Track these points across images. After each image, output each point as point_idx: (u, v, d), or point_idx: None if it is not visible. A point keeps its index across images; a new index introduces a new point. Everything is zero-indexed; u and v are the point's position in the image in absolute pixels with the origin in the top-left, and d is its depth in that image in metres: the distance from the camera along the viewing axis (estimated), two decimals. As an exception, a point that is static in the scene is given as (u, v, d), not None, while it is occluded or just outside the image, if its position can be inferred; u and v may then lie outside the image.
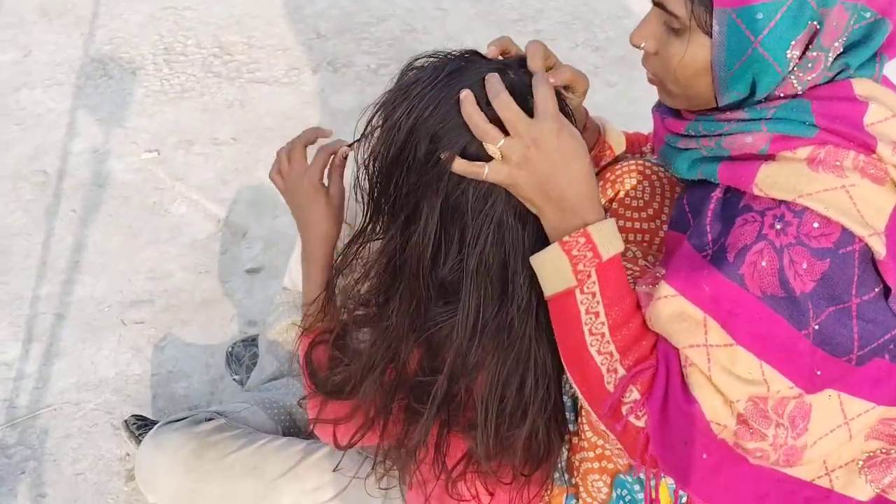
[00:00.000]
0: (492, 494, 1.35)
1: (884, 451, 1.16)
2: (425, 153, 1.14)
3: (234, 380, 2.09)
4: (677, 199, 1.25)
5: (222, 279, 2.39)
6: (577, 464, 1.32)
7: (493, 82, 1.11)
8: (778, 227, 1.04)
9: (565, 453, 1.34)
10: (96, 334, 2.24)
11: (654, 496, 1.23)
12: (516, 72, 1.17)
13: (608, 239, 1.12)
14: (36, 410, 2.06)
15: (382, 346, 1.25)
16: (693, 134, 1.17)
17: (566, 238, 1.11)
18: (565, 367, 1.18)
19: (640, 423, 1.12)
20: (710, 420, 1.08)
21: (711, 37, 1.08)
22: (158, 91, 3.05)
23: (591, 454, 1.29)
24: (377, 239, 1.25)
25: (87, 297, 2.34)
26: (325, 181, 1.38)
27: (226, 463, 1.54)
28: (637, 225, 1.36)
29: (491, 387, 1.22)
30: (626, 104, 2.83)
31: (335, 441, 1.37)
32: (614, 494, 1.29)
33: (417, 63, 1.19)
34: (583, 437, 1.29)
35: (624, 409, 1.12)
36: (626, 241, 1.35)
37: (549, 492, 1.38)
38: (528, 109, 1.11)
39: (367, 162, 1.20)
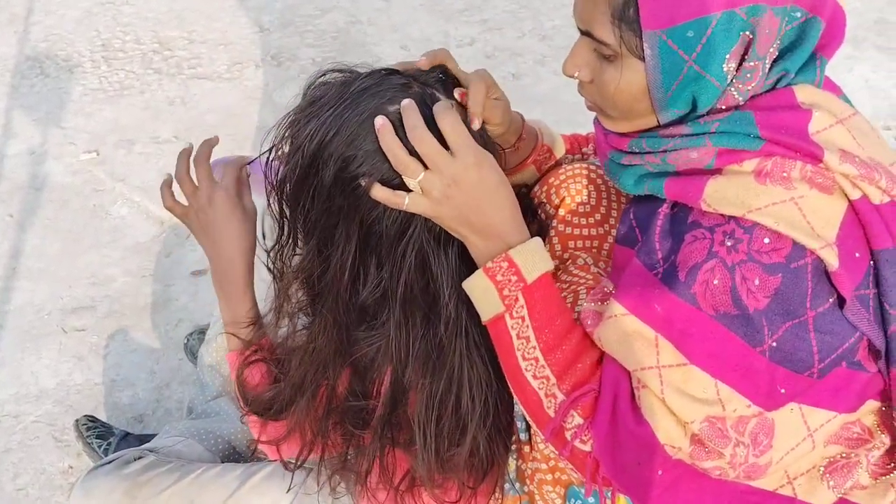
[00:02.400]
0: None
1: (843, 455, 1.15)
2: (334, 176, 1.10)
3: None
4: (623, 213, 1.23)
5: (167, 282, 2.33)
6: (529, 473, 1.29)
7: (410, 114, 1.07)
8: (728, 243, 1.02)
9: (513, 463, 1.32)
10: (36, 343, 2.17)
11: None
12: (422, 84, 1.13)
13: (532, 261, 1.11)
14: (-27, 425, 1.99)
15: (310, 368, 1.22)
16: (637, 151, 1.14)
17: (489, 264, 1.10)
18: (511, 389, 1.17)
19: (587, 448, 1.10)
20: (663, 443, 1.06)
21: (644, 60, 1.05)
22: (97, 89, 2.96)
23: (545, 466, 1.27)
24: (297, 254, 1.21)
25: (26, 304, 2.27)
26: None
27: (160, 500, 1.47)
28: (585, 231, 1.34)
29: (427, 408, 1.19)
30: (573, 94, 2.77)
31: (281, 458, 1.34)
32: (568, 504, 1.28)
33: (324, 79, 1.15)
34: (536, 449, 1.27)
35: (568, 434, 1.10)
36: (576, 249, 1.33)
37: (498, 502, 1.36)
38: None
39: (277, 183, 1.16)
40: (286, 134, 1.14)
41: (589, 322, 1.14)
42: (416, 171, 1.06)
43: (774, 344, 1.03)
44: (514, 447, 1.31)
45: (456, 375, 1.18)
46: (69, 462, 1.91)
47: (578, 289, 1.25)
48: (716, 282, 1.02)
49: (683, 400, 1.05)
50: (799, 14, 1.03)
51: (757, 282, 1.01)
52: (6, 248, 2.42)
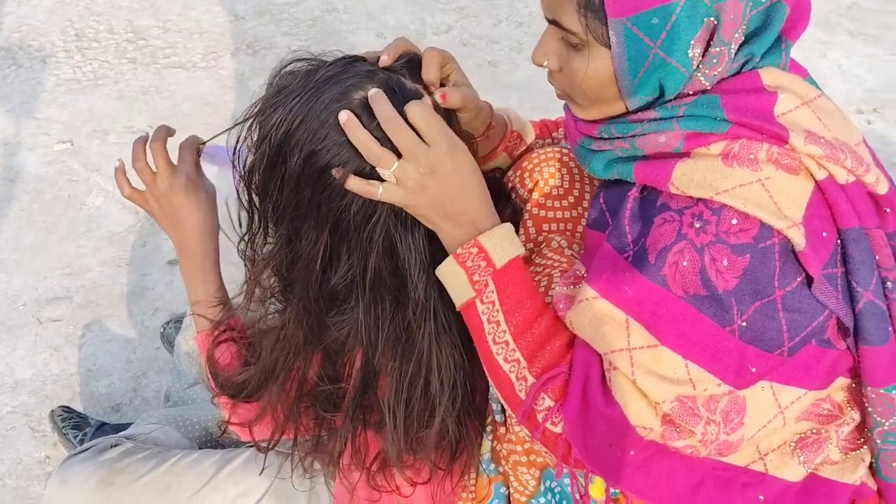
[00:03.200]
0: (414, 486, 1.34)
1: (814, 431, 1.16)
2: (301, 164, 1.10)
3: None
4: (594, 197, 1.24)
5: (142, 272, 2.32)
6: (505, 454, 1.30)
7: (381, 103, 1.07)
8: (697, 225, 1.03)
9: (489, 444, 1.33)
10: (11, 334, 2.16)
11: (582, 493, 1.22)
12: (388, 70, 1.13)
13: (501, 245, 1.12)
14: (-52, 416, 1.98)
15: (281, 354, 1.23)
16: (606, 136, 1.15)
17: (459, 251, 1.12)
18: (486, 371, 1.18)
19: (558, 430, 1.12)
20: (635, 425, 1.08)
21: (611, 48, 1.06)
22: (71, 79, 2.94)
23: (520, 448, 1.27)
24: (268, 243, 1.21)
25: (1, 295, 2.26)
26: None
27: (137, 487, 1.47)
28: (559, 214, 1.34)
29: (396, 390, 1.20)
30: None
31: (253, 440, 1.34)
32: (542, 487, 1.28)
33: (289, 68, 1.15)
34: (511, 431, 1.28)
35: (539, 417, 1.12)
36: (550, 231, 1.34)
37: (473, 482, 1.37)
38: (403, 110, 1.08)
39: (245, 172, 1.16)
40: (253, 123, 1.14)
41: (561, 305, 1.15)
42: (390, 162, 1.07)
43: (744, 324, 1.04)
44: (489, 429, 1.32)
45: (425, 358, 1.19)
46: (46, 452, 1.91)
47: (552, 272, 1.25)
48: (685, 263, 1.03)
49: (654, 380, 1.06)
50: None
51: (725, 262, 1.02)
52: (-20, 239, 2.41)
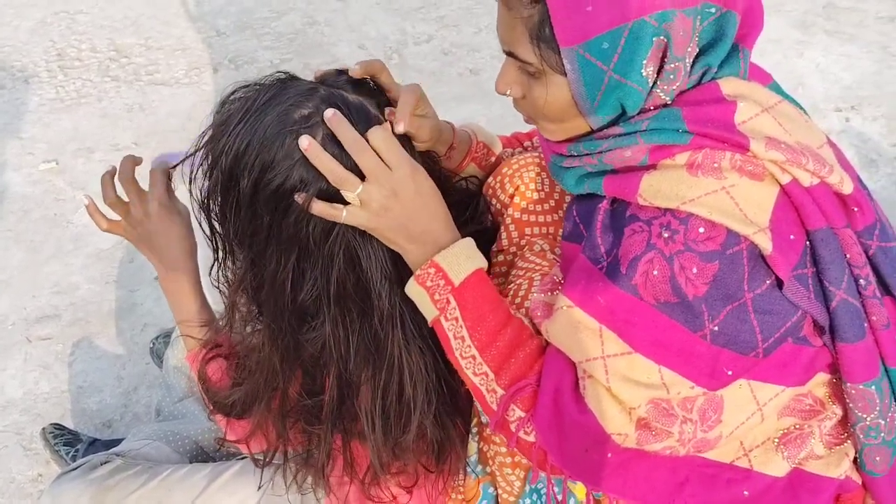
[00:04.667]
0: (410, 492, 1.35)
1: (797, 426, 1.18)
2: (252, 186, 1.12)
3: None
4: (567, 210, 1.26)
5: (130, 288, 2.33)
6: (491, 455, 1.32)
7: (341, 125, 1.09)
8: (665, 235, 1.05)
9: (475, 445, 1.34)
10: (1, 354, 2.17)
11: (559, 498, 1.24)
12: (329, 87, 1.15)
13: (457, 262, 1.15)
14: (-60, 438, 1.99)
15: (261, 375, 1.25)
16: (576, 154, 1.18)
17: (418, 272, 1.15)
18: None
19: (531, 439, 1.15)
20: (610, 433, 1.10)
21: (566, 75, 1.08)
22: (54, 99, 2.95)
23: (504, 449, 1.29)
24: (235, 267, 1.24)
25: (-10, 316, 2.26)
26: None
27: (128, 503, 1.49)
28: (541, 218, 1.36)
29: (372, 398, 1.23)
30: (531, 86, 2.82)
31: (251, 453, 1.36)
32: (528, 487, 1.30)
33: (233, 97, 1.17)
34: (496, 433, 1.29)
35: (511, 427, 1.15)
36: (532, 235, 1.36)
37: (462, 483, 1.38)
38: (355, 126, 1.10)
39: (203, 199, 1.18)
40: (204, 151, 1.16)
41: (539, 313, 1.17)
42: (355, 185, 1.09)
43: (716, 328, 1.06)
44: (475, 430, 1.34)
45: (396, 365, 1.21)
46: (38, 470, 1.91)
47: (533, 275, 1.27)
48: (655, 272, 1.05)
49: (628, 386, 1.08)
50: (713, 10, 1.06)
51: (695, 270, 1.04)
52: (-33, 260, 2.41)
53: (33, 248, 2.45)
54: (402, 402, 1.23)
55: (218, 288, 1.26)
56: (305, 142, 1.07)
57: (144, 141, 2.79)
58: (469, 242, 1.17)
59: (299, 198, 1.10)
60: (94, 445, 1.84)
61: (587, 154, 1.15)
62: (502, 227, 1.39)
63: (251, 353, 1.27)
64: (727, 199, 1.04)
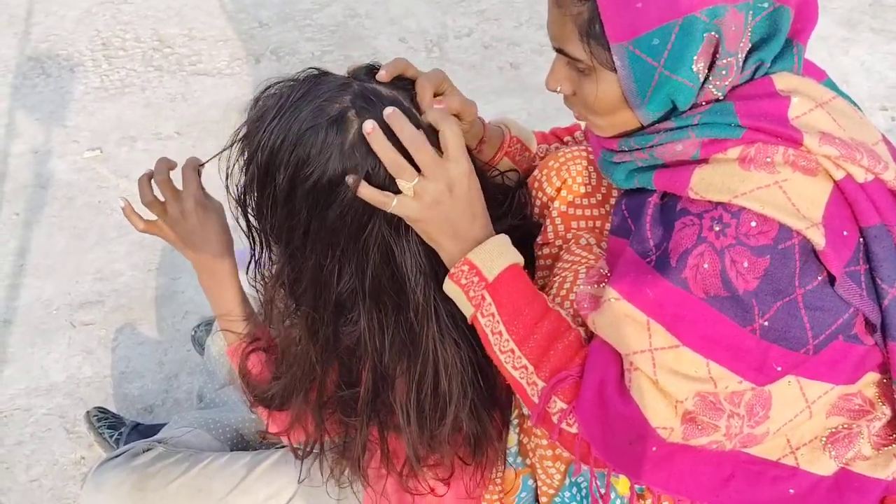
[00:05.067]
0: (448, 484, 1.36)
1: (846, 426, 1.17)
2: (289, 181, 1.13)
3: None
4: (615, 205, 1.26)
5: (172, 276, 2.36)
6: (532, 447, 1.32)
7: (401, 120, 1.10)
8: (717, 228, 1.05)
9: (515, 437, 1.34)
10: (45, 338, 2.20)
11: (602, 492, 1.24)
12: (362, 81, 1.16)
13: (490, 258, 1.15)
14: (-14, 419, 2.02)
15: (299, 367, 1.27)
16: (626, 149, 1.18)
17: (453, 270, 1.16)
18: None
19: (573, 430, 1.15)
20: (655, 427, 1.09)
21: (616, 72, 1.08)
22: (98, 87, 2.99)
23: (545, 441, 1.29)
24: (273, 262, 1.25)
25: (35, 300, 2.30)
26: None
27: (169, 491, 1.50)
28: (587, 212, 1.36)
29: (406, 391, 1.24)
30: (571, 81, 2.81)
31: (292, 445, 1.38)
32: (568, 480, 1.30)
33: (266, 93, 1.18)
34: (537, 425, 1.30)
35: (554, 419, 1.16)
36: (578, 229, 1.36)
37: (500, 475, 1.39)
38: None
39: (239, 195, 1.20)
40: (241, 148, 1.18)
41: (585, 305, 1.17)
42: (413, 175, 1.10)
43: (766, 323, 1.05)
44: (515, 422, 1.34)
45: (431, 358, 1.22)
46: (81, 453, 1.94)
47: (579, 268, 1.27)
48: (706, 266, 1.05)
49: (675, 379, 1.07)
50: (766, 4, 1.05)
51: (746, 264, 1.04)
52: (13, 246, 2.45)
53: (77, 234, 2.48)
54: (438, 395, 1.24)
55: (255, 287, 1.28)
56: (370, 126, 1.08)
57: (186, 130, 2.82)
58: (502, 239, 1.19)
59: (350, 179, 1.10)
60: (137, 429, 1.86)
61: (638, 149, 1.15)
62: (548, 220, 1.39)
63: (289, 346, 1.28)
64: (780, 193, 1.04)
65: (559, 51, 1.14)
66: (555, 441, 1.18)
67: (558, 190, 1.38)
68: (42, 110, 2.90)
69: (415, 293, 1.19)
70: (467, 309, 1.18)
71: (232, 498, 1.52)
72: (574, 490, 1.31)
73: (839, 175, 1.07)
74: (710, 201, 1.06)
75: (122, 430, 1.85)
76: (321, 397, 1.29)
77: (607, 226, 1.36)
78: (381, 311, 1.20)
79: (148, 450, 1.57)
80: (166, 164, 1.33)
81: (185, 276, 2.35)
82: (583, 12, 1.07)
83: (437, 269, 1.19)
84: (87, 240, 2.47)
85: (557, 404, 1.15)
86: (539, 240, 1.40)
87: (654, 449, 1.12)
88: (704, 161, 1.09)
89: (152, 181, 1.33)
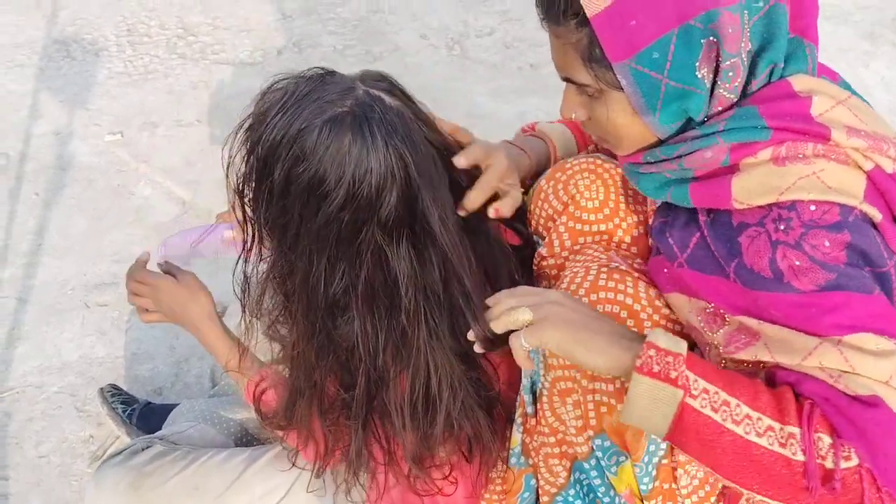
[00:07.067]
0: (455, 484, 1.38)
1: None
2: (286, 176, 1.16)
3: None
4: (657, 232, 1.24)
5: (187, 262, 2.38)
6: (535, 446, 1.33)
7: (496, 305, 1.15)
8: (781, 227, 1.06)
9: (519, 437, 1.36)
10: (59, 317, 2.23)
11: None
12: (368, 86, 1.19)
13: (670, 339, 1.05)
14: (-1, 394, 2.05)
15: (299, 376, 1.30)
16: (652, 160, 1.19)
17: (638, 362, 1.03)
18: (735, 484, 1.04)
19: (853, 462, 1.00)
20: None
21: (623, 90, 1.10)
22: (122, 73, 3.02)
23: (552, 439, 1.30)
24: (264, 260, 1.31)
25: (51, 280, 2.33)
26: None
27: (166, 489, 1.53)
28: (594, 227, 1.38)
29: (401, 392, 1.27)
30: (591, 84, 2.82)
31: (314, 462, 1.43)
32: (572, 478, 1.31)
33: (273, 87, 1.21)
34: (543, 423, 1.30)
35: (828, 463, 1.00)
36: (585, 244, 1.37)
37: (502, 473, 1.40)
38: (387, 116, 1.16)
39: (238, 184, 1.24)
40: (243, 140, 1.22)
41: (740, 343, 1.12)
42: (525, 311, 1.11)
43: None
44: (519, 421, 1.35)
45: (422, 359, 1.24)
46: (90, 431, 1.97)
47: (590, 264, 1.28)
48: (797, 263, 1.05)
49: (870, 360, 1.02)
50: (761, 4, 1.07)
51: (827, 243, 1.04)
52: (32, 225, 2.48)
53: (96, 216, 2.51)
54: (429, 396, 1.27)
55: (242, 285, 1.35)
56: (473, 335, 1.19)
57: (207, 118, 2.84)
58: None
59: (471, 336, 1.19)
60: (150, 407, 1.89)
61: (666, 159, 1.16)
62: (554, 234, 1.40)
63: (287, 358, 1.33)
64: (819, 182, 1.05)
65: (567, 80, 1.18)
66: (836, 498, 1.00)
67: (566, 205, 1.39)
68: (66, 93, 2.93)
69: (406, 296, 1.21)
70: (670, 400, 1.01)
71: (228, 494, 1.55)
72: (577, 488, 1.32)
73: (868, 166, 1.08)
74: (760, 206, 1.07)
75: (135, 407, 1.88)
76: (323, 402, 1.32)
77: (615, 238, 1.38)
78: (374, 315, 1.22)
79: (147, 447, 1.59)
80: (140, 262, 1.59)
81: (199, 262, 2.37)
82: (581, 38, 1.10)
83: (426, 275, 1.22)
84: (105, 222, 2.49)
85: (824, 441, 1.00)
86: (544, 252, 1.41)
87: None
88: (736, 168, 1.10)
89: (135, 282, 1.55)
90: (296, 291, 1.23)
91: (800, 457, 0.99)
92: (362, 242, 1.18)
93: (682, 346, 1.04)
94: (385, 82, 1.23)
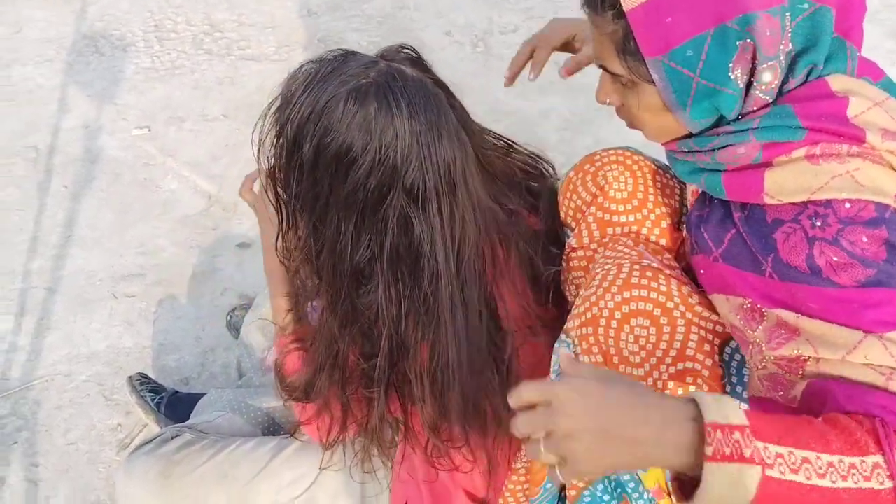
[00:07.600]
0: (472, 463, 1.39)
1: None
2: (314, 151, 1.19)
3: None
4: (693, 226, 1.24)
5: (213, 254, 2.41)
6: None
7: (519, 421, 0.94)
8: (818, 224, 1.05)
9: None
10: (88, 308, 2.26)
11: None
12: (389, 61, 1.24)
13: (722, 406, 0.93)
14: (28, 382, 2.08)
15: (322, 345, 1.32)
16: (685, 150, 1.20)
17: (708, 451, 0.90)
18: None
19: None
20: None
21: (655, 84, 1.12)
22: (149, 68, 3.05)
23: None
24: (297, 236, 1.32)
25: (79, 271, 2.36)
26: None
27: (195, 477, 1.55)
28: (623, 218, 1.38)
29: (421, 360, 1.28)
30: (614, 81, 2.82)
31: (323, 441, 1.43)
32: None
33: (299, 71, 1.25)
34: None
35: None
36: (614, 235, 1.38)
37: (526, 464, 1.41)
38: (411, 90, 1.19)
39: (270, 167, 1.28)
40: (272, 121, 1.25)
41: (782, 335, 1.10)
42: (546, 457, 0.94)
43: None
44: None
45: (443, 327, 1.26)
46: (118, 420, 2.00)
47: (622, 261, 1.28)
48: (835, 259, 1.04)
49: None
50: (806, 6, 1.06)
51: (864, 238, 1.03)
52: (61, 217, 2.51)
53: (123, 209, 2.54)
54: (448, 363, 1.28)
55: (282, 262, 1.37)
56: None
57: (233, 113, 2.87)
58: (705, 393, 0.97)
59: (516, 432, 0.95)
60: (178, 395, 1.91)
61: (698, 150, 1.17)
62: (583, 225, 1.41)
63: (316, 329, 1.34)
64: (853, 181, 1.05)
65: (602, 67, 1.19)
66: None
67: (594, 196, 1.40)
68: (94, 87, 2.97)
69: (430, 264, 1.23)
70: (751, 479, 0.91)
71: (256, 482, 1.56)
72: (606, 483, 1.32)
73: None
74: (793, 203, 1.07)
75: (164, 395, 1.90)
76: (344, 373, 1.33)
77: (643, 230, 1.38)
78: (399, 281, 1.25)
79: (177, 436, 1.61)
80: (250, 180, 1.51)
81: (225, 254, 2.40)
82: (617, 31, 1.11)
83: (447, 240, 1.24)
84: (132, 215, 2.52)
85: None
86: (573, 243, 1.42)
87: None
88: (769, 164, 1.10)
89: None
90: (323, 262, 1.26)
91: (888, 484, 0.94)
92: (388, 207, 1.20)
93: (740, 414, 0.93)
94: (404, 52, 1.28)
